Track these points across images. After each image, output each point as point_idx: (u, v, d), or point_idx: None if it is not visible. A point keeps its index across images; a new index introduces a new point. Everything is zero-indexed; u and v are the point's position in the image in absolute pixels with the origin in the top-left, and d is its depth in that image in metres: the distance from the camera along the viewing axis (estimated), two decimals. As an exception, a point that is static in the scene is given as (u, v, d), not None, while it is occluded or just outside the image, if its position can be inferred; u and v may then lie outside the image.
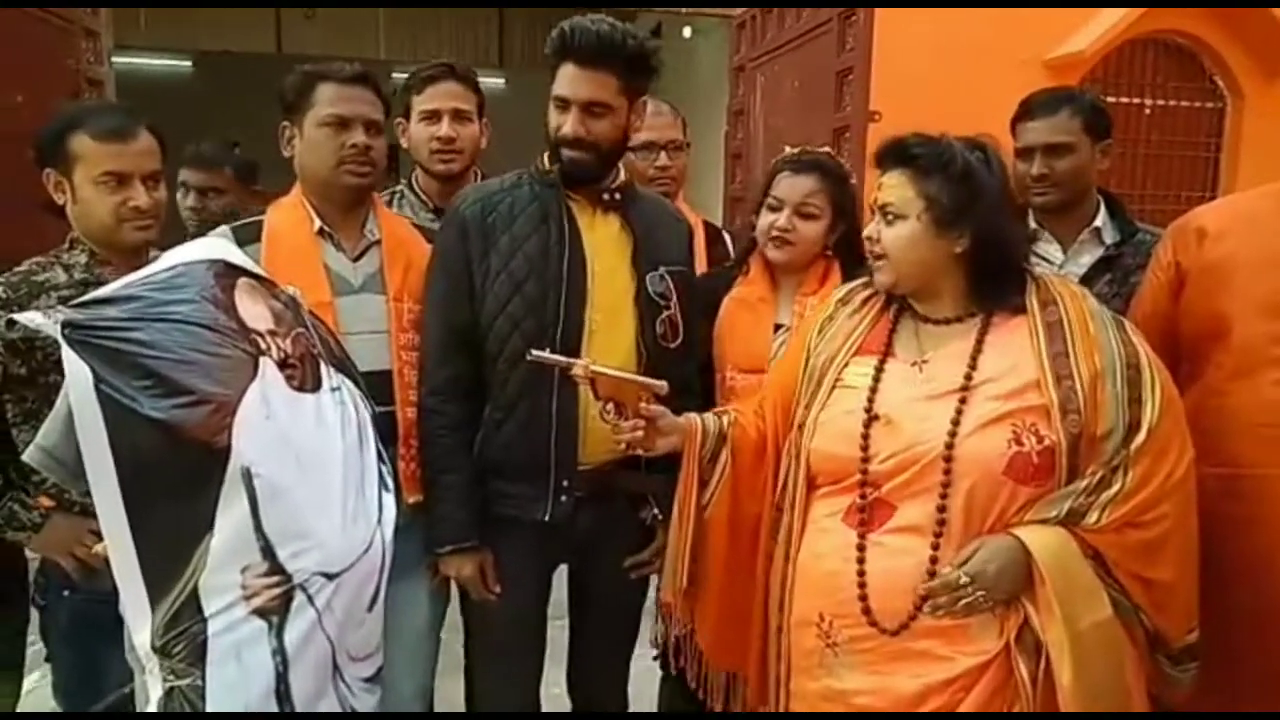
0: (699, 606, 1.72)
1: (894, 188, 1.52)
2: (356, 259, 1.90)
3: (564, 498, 1.85)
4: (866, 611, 1.47)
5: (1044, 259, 2.14)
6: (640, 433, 1.60)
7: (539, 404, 1.80)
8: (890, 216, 1.52)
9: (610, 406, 1.60)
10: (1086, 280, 2.07)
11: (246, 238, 1.82)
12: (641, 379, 1.62)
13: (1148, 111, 4.22)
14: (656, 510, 1.93)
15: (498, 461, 1.86)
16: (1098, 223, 2.13)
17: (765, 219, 2.02)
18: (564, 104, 1.79)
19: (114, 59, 6.12)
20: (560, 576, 2.04)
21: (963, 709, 1.42)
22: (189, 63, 10.15)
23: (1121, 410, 1.43)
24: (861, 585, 1.47)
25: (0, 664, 1.96)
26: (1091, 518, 1.40)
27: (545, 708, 2.11)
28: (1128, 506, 1.40)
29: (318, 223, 1.87)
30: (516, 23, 9.53)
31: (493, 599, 1.91)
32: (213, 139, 3.15)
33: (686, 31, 5.62)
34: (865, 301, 1.65)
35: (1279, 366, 1.61)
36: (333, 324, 1.79)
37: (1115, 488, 1.41)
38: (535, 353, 1.61)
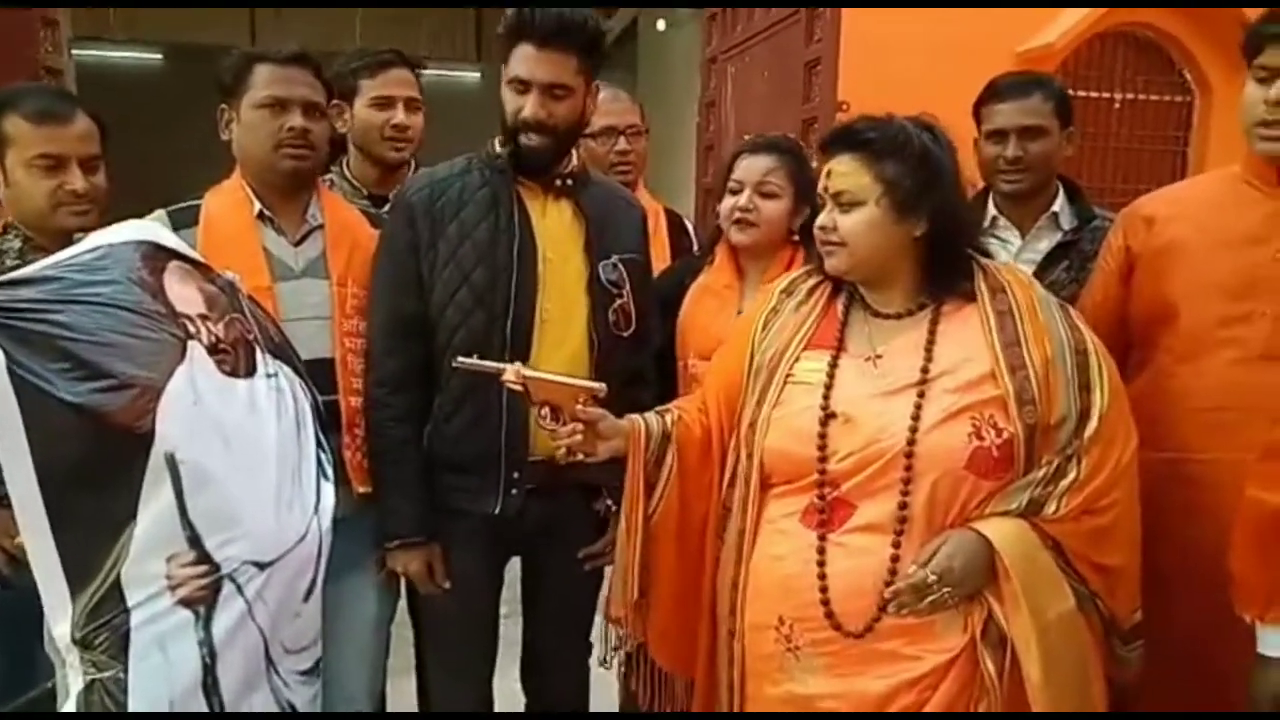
0: (651, 617, 1.65)
1: (847, 174, 1.47)
2: (298, 243, 1.85)
3: (514, 490, 1.81)
4: (829, 615, 1.43)
5: (1002, 240, 2.12)
6: (579, 437, 1.54)
7: (488, 396, 1.76)
8: (845, 204, 1.48)
9: (546, 411, 1.55)
10: (1044, 266, 2.06)
11: (183, 222, 1.78)
12: (577, 381, 1.57)
13: (1117, 105, 4.22)
14: (610, 501, 1.90)
15: (447, 454, 1.82)
16: (1055, 208, 2.11)
17: (727, 202, 2.00)
18: (523, 86, 1.74)
19: (84, 51, 6.03)
20: (515, 571, 2.01)
21: (930, 707, 1.39)
22: (159, 56, 10.02)
23: (1073, 398, 1.41)
24: (823, 588, 1.43)
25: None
26: (1050, 508, 1.38)
27: (503, 704, 2.08)
28: (1083, 495, 1.39)
29: (257, 206, 1.82)
30: (495, 17, 9.46)
31: (441, 594, 1.87)
32: (182, 132, 3.07)
33: (661, 25, 5.60)
34: (810, 292, 1.60)
35: (1228, 348, 1.61)
36: (273, 310, 1.75)
37: (1071, 476, 1.39)
38: (462, 360, 1.56)
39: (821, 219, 1.51)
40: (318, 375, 1.76)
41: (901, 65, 3.38)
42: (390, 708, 2.22)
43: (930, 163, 1.46)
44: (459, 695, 1.97)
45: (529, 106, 1.74)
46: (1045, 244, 2.11)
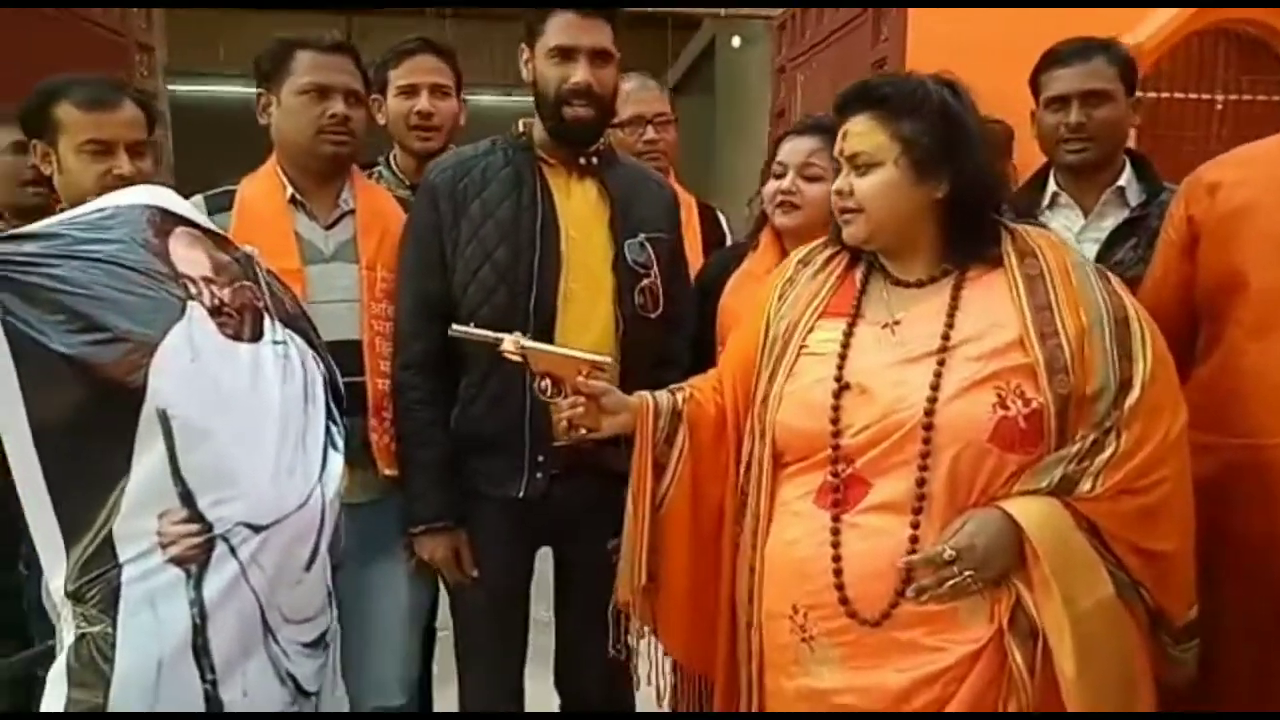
0: (661, 605, 1.57)
1: (863, 134, 1.40)
2: (329, 227, 1.87)
3: (539, 474, 1.78)
4: (844, 601, 1.34)
5: (1062, 215, 2.00)
6: (580, 409, 1.49)
7: (511, 377, 1.72)
8: (862, 166, 1.40)
9: (546, 383, 1.50)
10: (1109, 244, 1.93)
11: (218, 206, 1.82)
12: (577, 353, 1.52)
13: (1219, 107, 3.98)
14: (637, 488, 1.83)
15: (471, 436, 1.81)
16: (1121, 182, 1.97)
17: (770, 185, 1.94)
18: (568, 53, 1.73)
19: (191, 86, 6.36)
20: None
21: (955, 703, 1.29)
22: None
23: (1112, 368, 1.30)
24: (837, 572, 1.34)
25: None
26: (1085, 485, 1.27)
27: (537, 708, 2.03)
28: (1123, 471, 1.28)
29: (289, 191, 1.85)
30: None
31: (468, 582, 1.84)
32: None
33: (736, 41, 5.61)
34: (828, 262, 1.52)
35: None
36: (302, 292, 1.76)
37: (1109, 451, 1.28)
38: (456, 328, 1.53)
39: (837, 183, 1.44)
40: (345, 357, 1.76)
41: (971, 65, 3.24)
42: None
43: (950, 119, 1.38)
44: (487, 687, 1.93)
45: (579, 72, 1.72)
46: (1110, 221, 1.97)
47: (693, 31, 6.83)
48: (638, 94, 2.41)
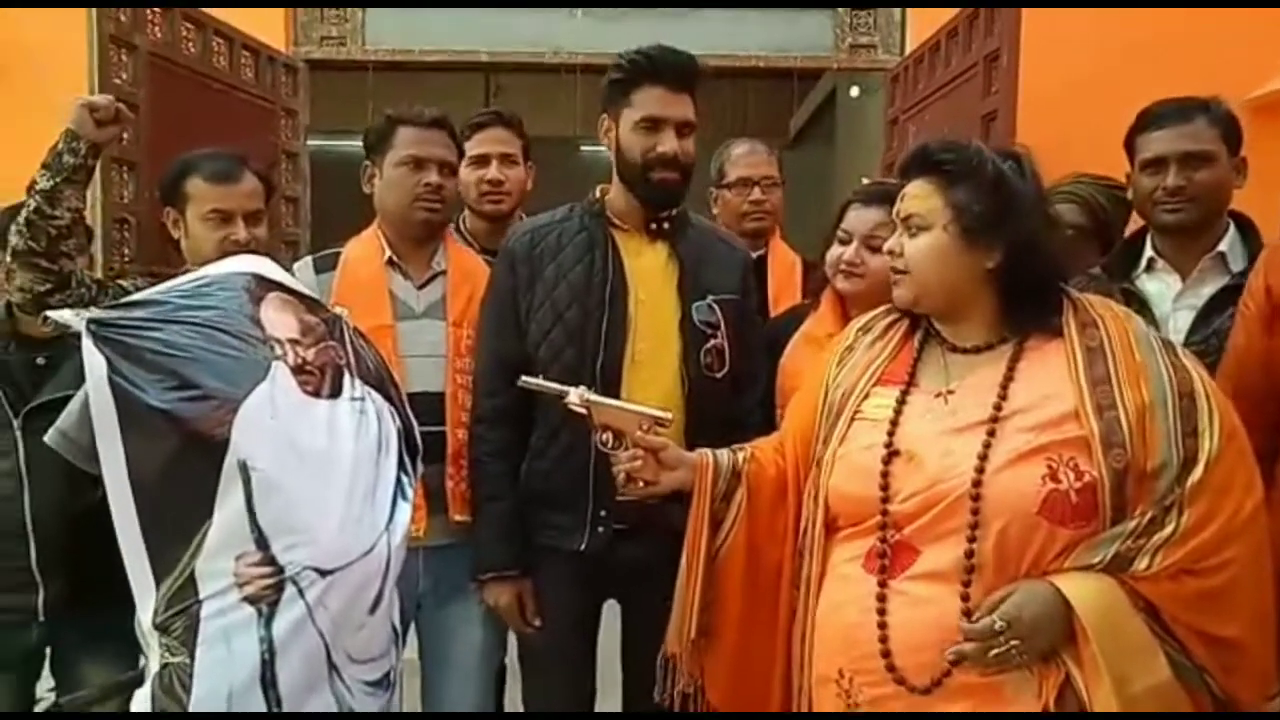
0: (710, 660, 1.58)
1: (918, 197, 1.41)
2: (422, 287, 2.00)
3: (600, 529, 1.83)
4: (891, 668, 1.32)
5: (1159, 280, 1.93)
6: (639, 463, 1.52)
7: (579, 432, 1.77)
8: (914, 228, 1.42)
9: (607, 436, 1.55)
10: (1206, 312, 1.84)
11: (324, 266, 1.99)
12: (640, 408, 1.57)
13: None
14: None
15: (539, 490, 1.87)
16: (1223, 247, 1.87)
17: (834, 252, 1.94)
18: (656, 124, 1.81)
19: (340, 142, 6.82)
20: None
21: None
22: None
23: (1175, 444, 1.25)
24: (883, 639, 1.33)
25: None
26: (1141, 563, 1.23)
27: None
28: (1184, 551, 1.22)
29: (388, 253, 1.99)
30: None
31: (530, 631, 1.90)
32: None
33: (854, 91, 5.61)
34: (887, 329, 1.52)
35: None
36: (392, 347, 1.89)
37: (1169, 529, 1.23)
38: (525, 379, 1.61)
39: (889, 242, 1.46)
40: (429, 407, 1.89)
41: (1083, 119, 3.13)
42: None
43: (1004, 190, 1.36)
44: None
45: (666, 143, 1.81)
46: (1210, 288, 1.87)
47: (815, 82, 6.85)
48: (746, 158, 2.49)
